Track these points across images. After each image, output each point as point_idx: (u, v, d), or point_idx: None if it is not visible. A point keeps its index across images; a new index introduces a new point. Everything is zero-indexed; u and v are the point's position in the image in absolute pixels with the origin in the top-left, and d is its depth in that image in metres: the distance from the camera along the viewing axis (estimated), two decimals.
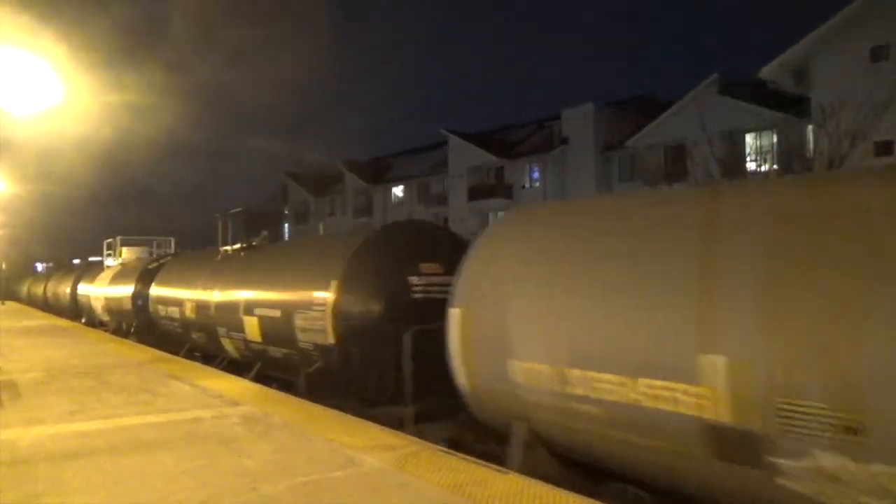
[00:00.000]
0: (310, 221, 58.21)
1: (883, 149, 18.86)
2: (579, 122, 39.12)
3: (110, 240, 25.72)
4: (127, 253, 24.11)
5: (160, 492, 4.30)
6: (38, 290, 40.40)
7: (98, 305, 21.88)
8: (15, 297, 50.05)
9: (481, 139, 46.08)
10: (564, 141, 40.02)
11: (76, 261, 63.76)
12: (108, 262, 25.00)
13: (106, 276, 21.76)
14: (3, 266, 48.41)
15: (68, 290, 28.23)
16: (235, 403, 7.24)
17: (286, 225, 63.66)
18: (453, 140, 46.60)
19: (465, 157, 45.08)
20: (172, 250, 24.18)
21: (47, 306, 35.07)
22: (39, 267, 73.78)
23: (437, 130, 48.90)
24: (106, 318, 20.97)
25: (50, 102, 8.54)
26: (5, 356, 11.31)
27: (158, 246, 25.44)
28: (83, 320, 24.33)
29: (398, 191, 53.67)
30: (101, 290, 21.38)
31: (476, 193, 43.40)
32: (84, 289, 25.10)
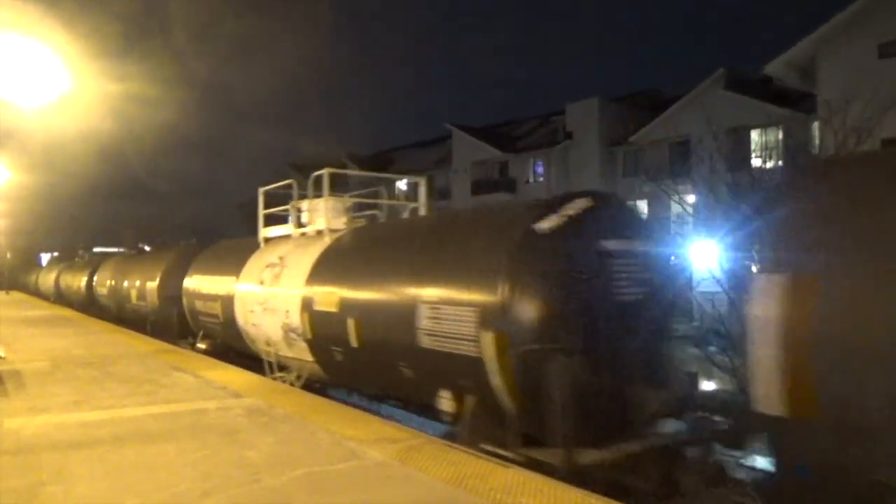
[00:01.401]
0: None
1: (889, 146, 18.77)
2: (583, 116, 39.02)
3: (285, 182, 11.95)
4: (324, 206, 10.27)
5: (163, 482, 4.32)
6: (75, 282, 27.67)
7: (273, 326, 9.39)
8: (20, 288, 50.16)
9: (485, 133, 45.97)
10: (568, 136, 39.90)
11: (80, 252, 63.90)
12: (272, 232, 11.81)
13: (290, 254, 9.99)
14: (9, 255, 48.50)
15: (154, 285, 15.81)
16: (239, 395, 7.27)
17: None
18: (457, 134, 46.48)
19: (468, 151, 44.97)
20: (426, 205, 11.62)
21: (93, 306, 22.95)
22: (44, 258, 73.83)
23: (441, 124, 48.72)
24: (308, 357, 8.75)
25: (57, 93, 8.54)
26: (10, 346, 11.35)
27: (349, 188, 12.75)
28: (198, 344, 13.00)
29: (401, 184, 53.64)
30: (289, 293, 9.02)
31: (479, 188, 43.27)
32: (209, 284, 12.37)
